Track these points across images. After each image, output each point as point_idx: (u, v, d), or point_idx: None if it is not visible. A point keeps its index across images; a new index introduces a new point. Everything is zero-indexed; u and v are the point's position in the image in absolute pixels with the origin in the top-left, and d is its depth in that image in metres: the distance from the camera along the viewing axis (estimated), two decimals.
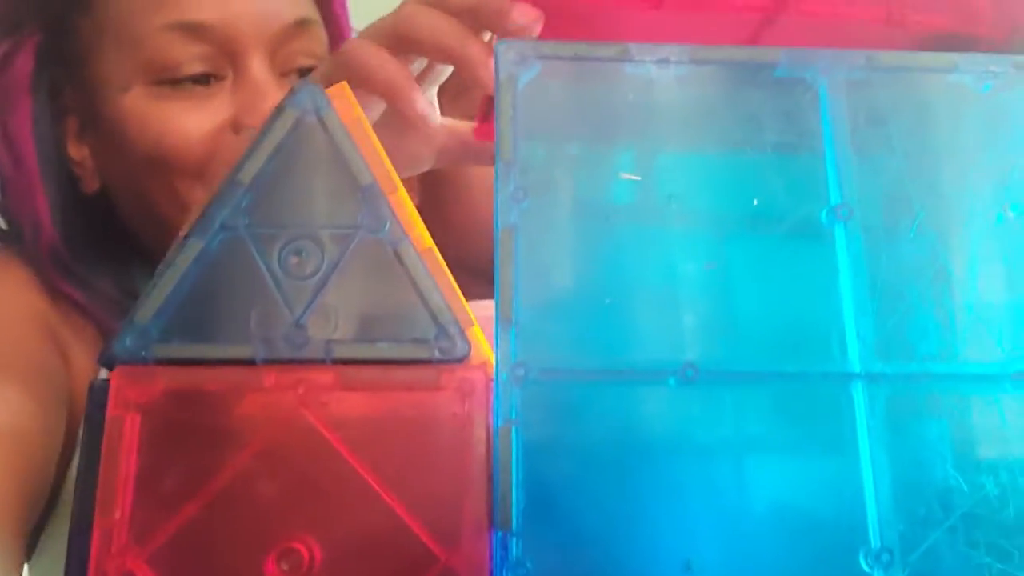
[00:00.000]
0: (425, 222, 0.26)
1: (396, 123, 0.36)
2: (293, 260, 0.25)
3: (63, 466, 0.47)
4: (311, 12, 0.52)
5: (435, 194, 0.65)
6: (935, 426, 0.25)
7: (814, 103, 0.26)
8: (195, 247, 0.25)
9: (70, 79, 0.51)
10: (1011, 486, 0.24)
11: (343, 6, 0.57)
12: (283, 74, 0.50)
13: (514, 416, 0.24)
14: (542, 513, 0.24)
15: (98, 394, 0.24)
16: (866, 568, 0.24)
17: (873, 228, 0.26)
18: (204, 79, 0.48)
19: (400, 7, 0.35)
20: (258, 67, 0.48)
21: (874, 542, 0.24)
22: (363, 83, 0.34)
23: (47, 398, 0.44)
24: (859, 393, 0.25)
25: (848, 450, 0.25)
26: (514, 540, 0.23)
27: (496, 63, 0.27)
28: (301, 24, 0.50)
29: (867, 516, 0.24)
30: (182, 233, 0.25)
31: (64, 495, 0.48)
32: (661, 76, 0.27)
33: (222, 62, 0.48)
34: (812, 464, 0.25)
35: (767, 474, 0.25)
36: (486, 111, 0.38)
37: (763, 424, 0.25)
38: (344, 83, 0.26)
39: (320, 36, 0.53)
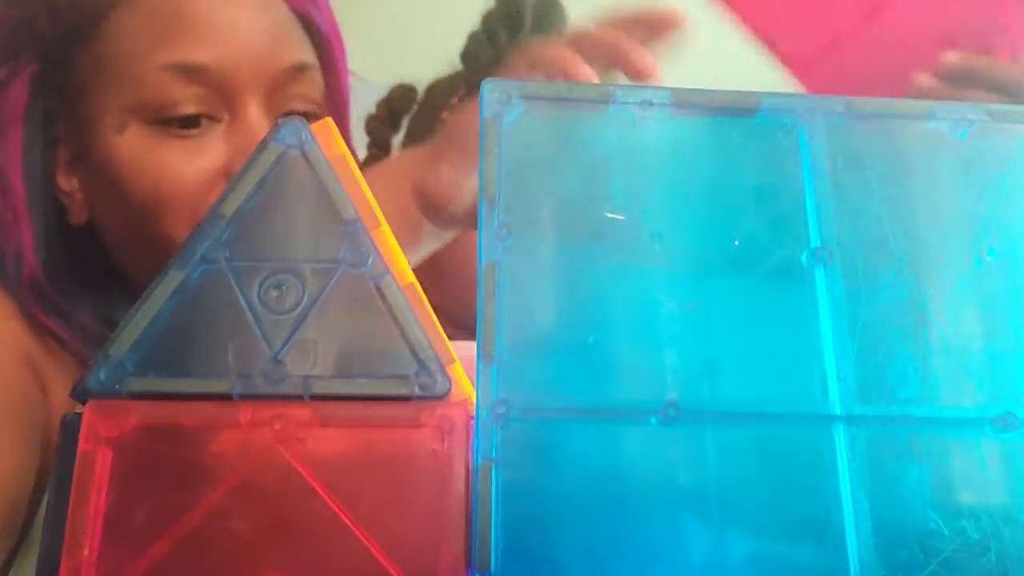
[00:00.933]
0: (420, 280, 0.26)
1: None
2: (273, 294, 0.25)
3: (36, 502, 0.46)
4: (309, 57, 0.52)
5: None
6: (915, 469, 0.25)
7: (794, 147, 0.27)
8: (174, 279, 0.24)
9: (65, 111, 0.50)
10: (992, 531, 0.24)
11: (342, 51, 0.57)
12: (279, 116, 0.50)
13: (494, 454, 0.24)
14: (521, 554, 0.23)
15: (70, 428, 0.23)
16: None
17: (853, 271, 0.26)
18: (199, 120, 0.48)
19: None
20: (254, 111, 0.48)
21: None
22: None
23: (23, 431, 0.44)
24: (840, 435, 0.25)
25: (829, 492, 0.25)
26: None
27: (481, 102, 0.27)
28: (299, 69, 0.51)
29: (848, 559, 0.24)
30: None
31: (34, 532, 0.47)
32: (644, 118, 0.28)
33: (218, 104, 0.48)
34: (793, 506, 0.25)
35: (749, 516, 0.25)
36: None
37: (744, 465, 0.25)
38: (328, 119, 0.27)
39: (317, 80, 0.53)
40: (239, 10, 0.49)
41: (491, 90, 0.27)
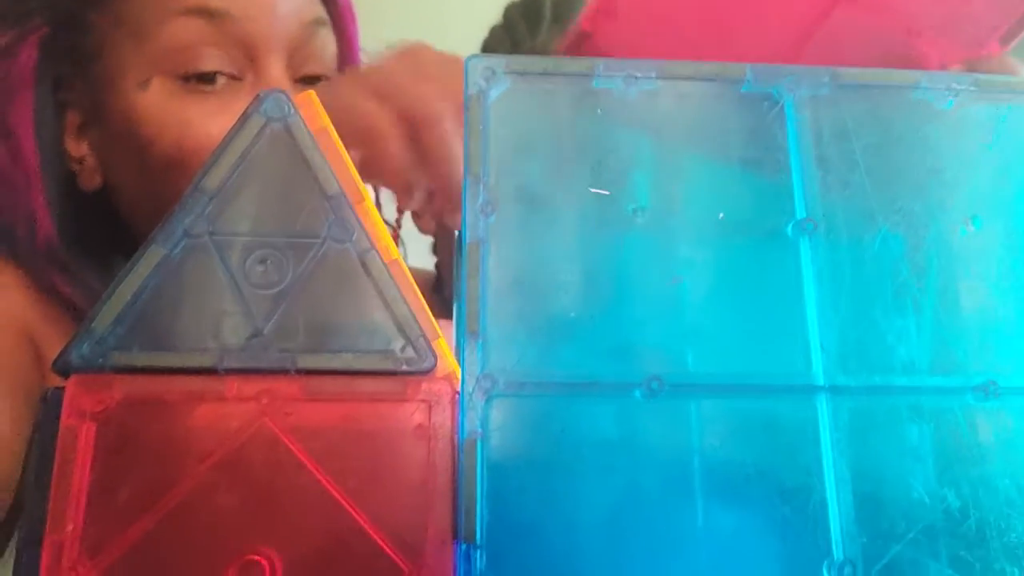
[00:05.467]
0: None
1: None
2: (258, 269, 0.24)
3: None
4: (324, 14, 0.52)
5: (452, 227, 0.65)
6: (898, 439, 0.25)
7: (780, 118, 0.27)
8: (157, 254, 0.24)
9: (81, 74, 0.50)
10: (973, 499, 0.24)
11: (352, 15, 0.56)
12: (295, 79, 0.50)
13: (479, 428, 0.24)
14: (506, 526, 0.23)
15: (52, 403, 0.23)
16: None
17: (838, 242, 0.26)
18: (220, 78, 0.47)
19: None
20: (275, 68, 0.48)
21: (837, 554, 0.24)
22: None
23: (15, 402, 0.43)
24: (823, 405, 0.25)
25: (811, 462, 0.25)
26: (478, 553, 0.23)
27: (466, 78, 0.27)
28: (317, 24, 0.50)
29: (830, 528, 0.24)
30: None
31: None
32: (629, 91, 0.27)
33: (242, 63, 0.48)
34: (776, 476, 0.25)
35: (731, 485, 0.25)
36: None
37: (728, 436, 0.25)
38: (311, 92, 0.26)
39: (331, 40, 0.52)
40: None
41: (475, 66, 0.27)
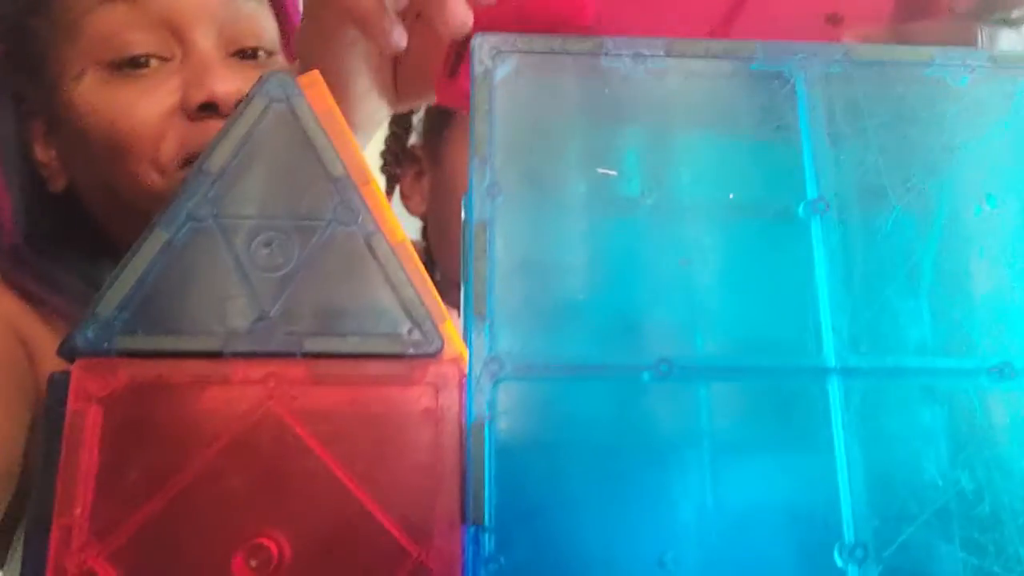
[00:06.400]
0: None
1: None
2: (263, 251, 0.24)
3: (28, 469, 0.46)
4: None
5: (442, 206, 0.65)
6: (910, 421, 0.25)
7: (791, 96, 0.26)
8: (161, 237, 0.24)
9: (33, 82, 0.51)
10: (986, 481, 0.24)
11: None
12: (229, 53, 0.50)
13: (487, 411, 0.24)
14: (515, 508, 0.23)
15: (58, 387, 0.23)
16: (840, 563, 0.24)
17: (850, 222, 0.26)
18: (150, 61, 0.48)
19: None
20: (203, 43, 0.49)
21: (848, 537, 0.24)
22: (342, 13, 0.34)
23: (10, 398, 0.44)
24: (834, 387, 0.25)
25: (823, 445, 0.25)
26: (487, 535, 0.23)
27: (472, 58, 0.26)
28: (244, 0, 0.50)
29: (841, 511, 0.24)
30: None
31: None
32: (636, 70, 0.27)
33: (169, 42, 0.48)
34: (787, 459, 0.25)
35: (742, 469, 0.25)
36: (452, 66, 0.34)
37: (738, 419, 0.25)
38: (316, 72, 0.26)
39: (266, 16, 0.53)
40: None
41: (480, 44, 0.27)
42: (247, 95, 0.25)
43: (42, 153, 0.52)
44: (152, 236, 0.24)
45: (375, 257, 0.25)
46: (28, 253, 0.50)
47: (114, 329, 0.23)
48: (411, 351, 0.24)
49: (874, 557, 0.24)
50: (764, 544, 0.24)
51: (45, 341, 0.49)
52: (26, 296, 0.49)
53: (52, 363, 0.48)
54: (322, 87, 0.26)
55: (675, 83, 0.27)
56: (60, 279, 0.51)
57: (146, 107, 0.47)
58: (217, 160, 0.24)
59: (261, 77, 0.25)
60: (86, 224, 0.54)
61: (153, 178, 0.48)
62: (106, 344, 0.23)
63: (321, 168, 0.25)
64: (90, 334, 0.23)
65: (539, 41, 0.27)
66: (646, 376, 0.24)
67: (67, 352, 0.23)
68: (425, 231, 0.66)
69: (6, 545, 0.46)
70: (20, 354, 0.47)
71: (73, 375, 0.23)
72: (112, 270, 0.58)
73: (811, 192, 0.26)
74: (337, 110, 0.26)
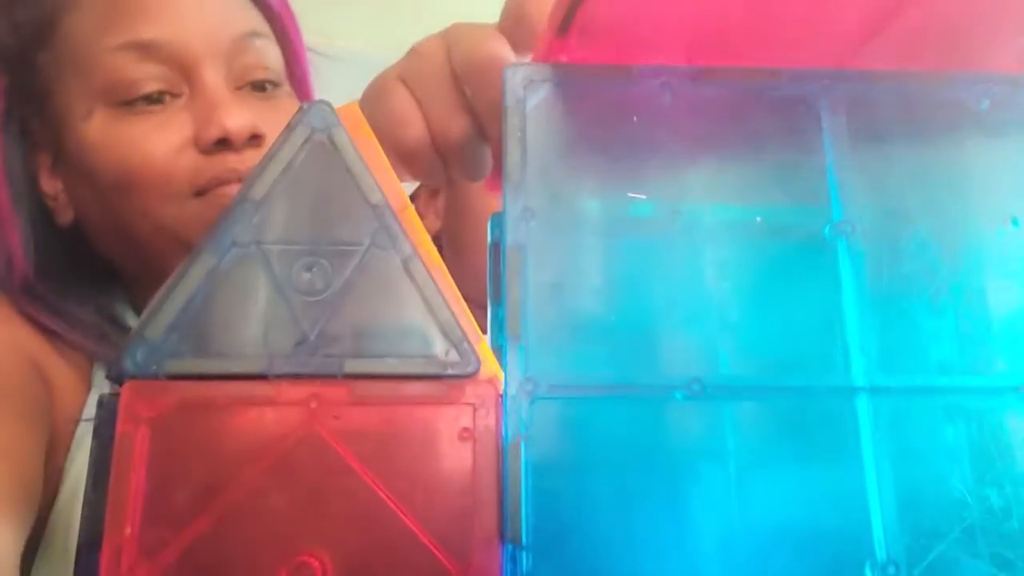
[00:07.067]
0: (445, 255, 0.26)
1: None
2: (304, 276, 0.25)
3: (48, 494, 0.47)
4: (262, 27, 0.53)
5: (456, 226, 0.66)
6: (939, 439, 0.25)
7: (815, 121, 0.27)
8: (206, 263, 0.25)
9: (38, 115, 0.51)
10: (1015, 497, 0.25)
11: (295, 24, 0.58)
12: (238, 87, 0.51)
13: (523, 431, 0.24)
14: (552, 526, 0.24)
15: (107, 409, 0.24)
16: None
17: (875, 243, 0.26)
18: (161, 97, 0.48)
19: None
20: (212, 79, 0.49)
21: (880, 555, 0.24)
22: (388, 148, 0.33)
23: (32, 423, 0.44)
24: (863, 406, 0.25)
25: (852, 463, 0.25)
26: (524, 554, 0.23)
27: (504, 86, 0.27)
28: (252, 36, 0.51)
29: (872, 529, 0.24)
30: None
31: (51, 524, 0.48)
32: (664, 96, 0.28)
33: (177, 79, 0.49)
34: (817, 477, 0.25)
35: (772, 487, 0.25)
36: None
37: (767, 437, 0.25)
38: (355, 104, 0.27)
39: (273, 50, 0.54)
40: None
41: (513, 74, 0.27)
42: (288, 125, 0.26)
43: (48, 185, 0.53)
44: (198, 262, 0.25)
45: (413, 280, 0.25)
46: (40, 286, 0.51)
47: (162, 352, 0.24)
48: (448, 372, 0.25)
49: (905, 574, 0.24)
50: (795, 562, 0.25)
51: (61, 371, 0.50)
52: (40, 328, 0.50)
53: (67, 392, 0.49)
54: (360, 118, 0.26)
55: (701, 109, 0.28)
56: (73, 312, 0.51)
57: (157, 143, 0.48)
58: (260, 188, 0.25)
59: (301, 107, 0.26)
60: (94, 256, 0.54)
61: (163, 210, 0.49)
62: (154, 367, 0.24)
63: (360, 195, 0.26)
64: (139, 357, 0.24)
65: (569, 70, 0.28)
66: (678, 395, 0.25)
67: (116, 375, 0.24)
68: (439, 250, 0.67)
69: (28, 565, 0.47)
70: (37, 381, 0.48)
71: (123, 397, 0.23)
72: (121, 299, 0.59)
73: (836, 215, 0.26)
74: (375, 140, 0.26)
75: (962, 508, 0.25)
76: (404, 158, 0.32)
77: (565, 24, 0.25)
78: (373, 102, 0.33)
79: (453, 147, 0.32)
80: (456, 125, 0.32)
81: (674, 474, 0.25)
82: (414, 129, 0.32)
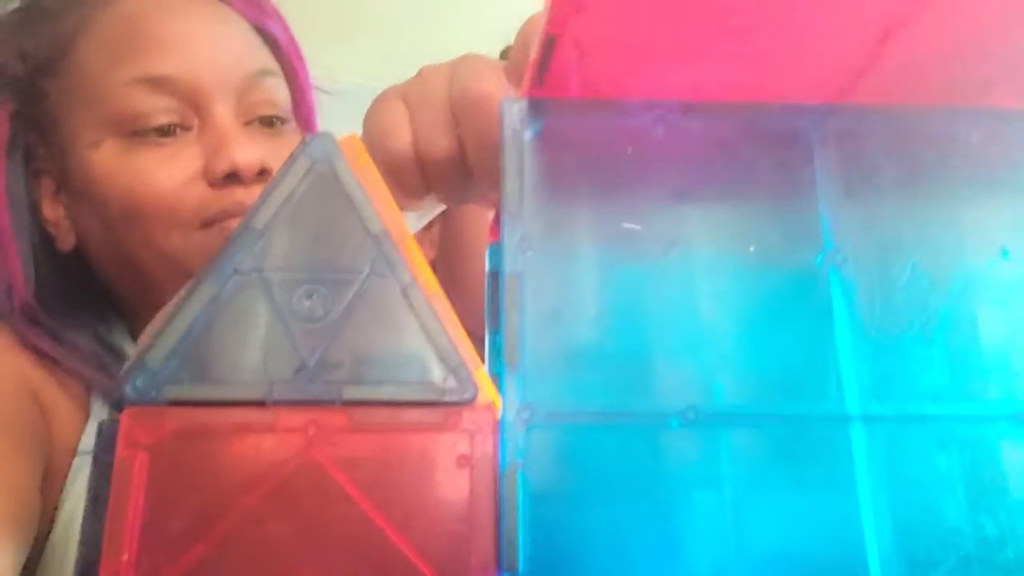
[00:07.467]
0: (439, 283, 0.26)
1: None
2: (304, 304, 0.25)
3: (44, 525, 0.46)
4: (271, 64, 0.54)
5: (451, 253, 0.66)
6: (933, 467, 0.25)
7: (806, 154, 0.28)
8: (208, 291, 0.25)
9: (43, 142, 0.52)
10: (1010, 526, 0.25)
11: (302, 62, 0.59)
12: (247, 123, 0.52)
13: (520, 458, 0.24)
14: (548, 554, 0.24)
15: (107, 435, 0.24)
16: None
17: (867, 273, 0.26)
18: (171, 130, 0.49)
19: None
20: (223, 115, 0.50)
21: None
22: (378, 161, 0.33)
23: (29, 452, 0.44)
24: (857, 434, 0.25)
25: (847, 491, 0.25)
26: None
27: (500, 119, 0.28)
28: (263, 74, 0.52)
29: (868, 558, 0.24)
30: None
31: (47, 551, 0.48)
32: (657, 129, 0.28)
33: (188, 113, 0.50)
34: (812, 505, 0.25)
35: (768, 515, 0.25)
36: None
37: (763, 465, 0.26)
38: (356, 134, 0.27)
39: (282, 87, 0.54)
40: (193, 22, 0.51)
41: (510, 107, 0.28)
42: (291, 155, 0.26)
43: (50, 211, 0.53)
44: (200, 289, 0.25)
45: (411, 308, 0.26)
46: (40, 313, 0.51)
47: (162, 379, 0.24)
48: (446, 398, 0.25)
49: None
50: None
51: (59, 400, 0.50)
52: (39, 356, 0.50)
53: (64, 422, 0.49)
54: (361, 148, 0.27)
55: (694, 141, 0.28)
56: (72, 339, 0.52)
57: (167, 174, 0.49)
58: (262, 217, 0.26)
59: (304, 139, 0.26)
60: (94, 284, 0.55)
61: (168, 240, 0.49)
62: (154, 393, 0.24)
63: (360, 224, 0.26)
64: (139, 383, 0.24)
65: (564, 104, 0.28)
66: (674, 423, 0.25)
67: (116, 402, 0.24)
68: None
69: None
70: (35, 411, 0.48)
71: (122, 423, 0.24)
72: (120, 327, 0.58)
73: (828, 245, 0.27)
74: (375, 170, 0.27)
75: (957, 537, 0.25)
76: (389, 169, 0.33)
77: (539, 76, 0.26)
78: (371, 114, 0.34)
79: (435, 163, 0.33)
80: (440, 143, 0.33)
81: (670, 501, 0.25)
82: (400, 141, 0.33)
